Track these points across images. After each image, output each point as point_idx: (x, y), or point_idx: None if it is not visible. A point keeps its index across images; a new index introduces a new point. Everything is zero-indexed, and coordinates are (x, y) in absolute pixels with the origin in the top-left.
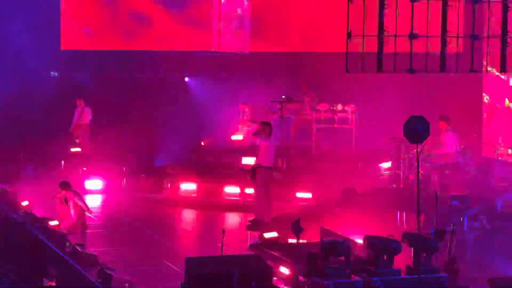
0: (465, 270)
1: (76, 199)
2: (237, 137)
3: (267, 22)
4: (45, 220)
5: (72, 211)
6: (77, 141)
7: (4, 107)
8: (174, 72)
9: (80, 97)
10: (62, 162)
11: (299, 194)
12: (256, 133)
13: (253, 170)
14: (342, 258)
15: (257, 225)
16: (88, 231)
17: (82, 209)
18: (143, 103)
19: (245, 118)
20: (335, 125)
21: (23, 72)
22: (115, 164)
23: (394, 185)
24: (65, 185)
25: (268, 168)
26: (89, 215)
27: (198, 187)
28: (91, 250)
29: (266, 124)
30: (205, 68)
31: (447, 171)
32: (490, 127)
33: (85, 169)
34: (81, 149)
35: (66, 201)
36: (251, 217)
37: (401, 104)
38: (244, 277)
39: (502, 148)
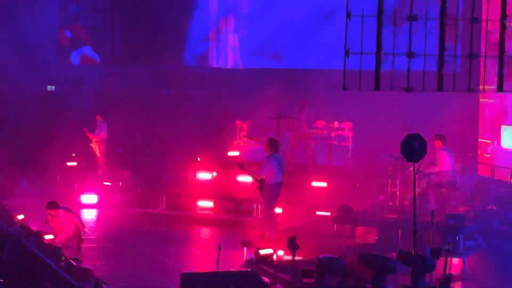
0: None
1: (67, 216)
2: (234, 153)
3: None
4: (40, 234)
5: (65, 226)
6: (73, 155)
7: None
8: (172, 87)
9: (99, 112)
10: (58, 176)
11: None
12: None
13: (261, 183)
14: (338, 275)
15: (261, 240)
16: (83, 245)
17: (76, 224)
18: (138, 119)
19: (242, 134)
20: (332, 142)
21: (21, 87)
22: (110, 179)
23: (391, 203)
24: (52, 206)
25: (272, 185)
26: (86, 230)
27: (195, 202)
28: (86, 264)
29: (270, 140)
30: (202, 84)
31: (443, 190)
32: None
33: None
34: (99, 165)
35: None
36: (247, 232)
37: (398, 121)
38: None
39: None
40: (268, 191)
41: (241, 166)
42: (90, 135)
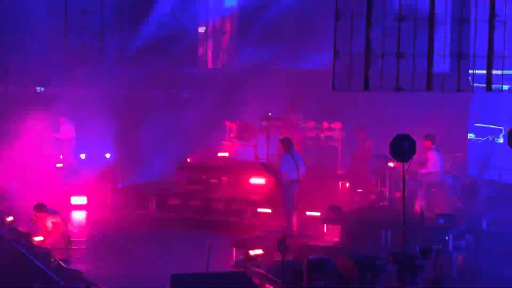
0: None
1: (52, 219)
2: (223, 154)
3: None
4: (30, 236)
5: (50, 229)
6: (61, 157)
7: None
8: (161, 88)
9: (62, 113)
10: (47, 177)
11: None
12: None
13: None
14: (327, 276)
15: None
16: (73, 247)
17: (63, 226)
18: (128, 118)
19: (231, 135)
20: (321, 143)
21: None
22: (100, 180)
23: (380, 203)
24: (39, 208)
25: (287, 184)
26: (74, 230)
27: (184, 203)
28: (76, 266)
29: (282, 140)
30: (192, 85)
31: (433, 190)
32: None
33: (66, 185)
34: (64, 165)
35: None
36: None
37: (387, 121)
38: None
39: None
40: (283, 190)
41: (264, 165)
42: (56, 135)
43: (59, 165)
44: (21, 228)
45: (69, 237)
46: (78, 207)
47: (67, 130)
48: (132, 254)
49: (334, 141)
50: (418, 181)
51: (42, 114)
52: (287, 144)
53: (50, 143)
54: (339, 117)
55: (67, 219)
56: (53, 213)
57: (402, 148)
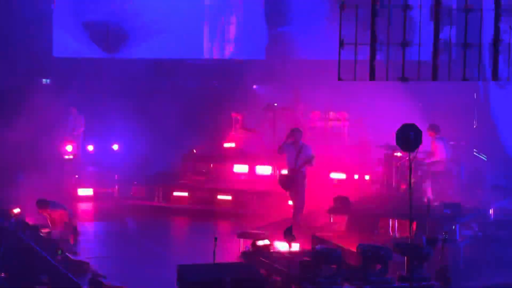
0: (457, 279)
1: (55, 212)
2: (230, 144)
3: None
4: (37, 227)
5: (54, 222)
6: (70, 147)
7: None
8: (167, 79)
9: (72, 105)
10: (54, 169)
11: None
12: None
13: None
14: (334, 266)
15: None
16: (80, 238)
17: (69, 217)
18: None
19: (237, 125)
20: (327, 133)
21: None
22: (107, 172)
23: (386, 193)
24: (41, 205)
25: (287, 174)
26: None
27: (190, 194)
28: (83, 257)
29: (291, 130)
30: (197, 75)
31: (439, 179)
32: None
33: (77, 176)
34: (74, 157)
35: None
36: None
37: (393, 111)
38: (236, 285)
39: None
40: (303, 181)
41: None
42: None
43: (68, 157)
44: (28, 220)
45: (75, 228)
46: (85, 199)
47: (78, 122)
48: (139, 245)
49: (340, 131)
50: (424, 171)
51: (49, 106)
52: (293, 135)
53: (59, 135)
54: (344, 107)
55: (73, 211)
56: (57, 206)
57: (408, 137)
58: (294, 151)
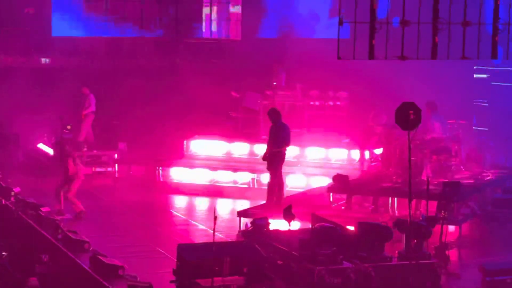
0: (456, 257)
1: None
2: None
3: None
4: (37, 207)
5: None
6: (68, 127)
7: None
8: (167, 58)
9: (85, 85)
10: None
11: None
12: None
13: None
14: (334, 244)
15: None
16: (80, 217)
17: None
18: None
19: (237, 105)
20: (327, 112)
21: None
22: (107, 151)
23: (386, 172)
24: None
25: (275, 152)
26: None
27: (190, 173)
28: (83, 236)
29: (269, 110)
30: (196, 54)
31: (438, 158)
32: None
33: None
34: (83, 137)
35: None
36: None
37: (393, 90)
38: (236, 263)
39: None
40: (272, 159)
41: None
42: (85, 111)
43: (66, 136)
44: (27, 199)
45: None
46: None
47: (92, 102)
48: (139, 224)
49: (339, 110)
50: (423, 149)
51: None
52: (272, 115)
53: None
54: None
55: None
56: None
57: (408, 116)
58: (271, 132)
